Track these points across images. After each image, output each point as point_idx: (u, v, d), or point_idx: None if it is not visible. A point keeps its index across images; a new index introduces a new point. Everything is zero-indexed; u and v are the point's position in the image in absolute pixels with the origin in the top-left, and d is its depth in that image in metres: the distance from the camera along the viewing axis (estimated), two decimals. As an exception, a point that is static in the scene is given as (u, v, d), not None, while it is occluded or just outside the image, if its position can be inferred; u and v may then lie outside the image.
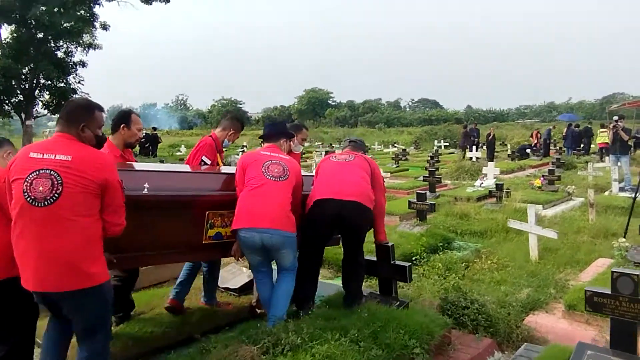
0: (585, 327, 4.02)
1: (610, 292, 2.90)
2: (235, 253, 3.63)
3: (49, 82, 20.53)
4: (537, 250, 6.09)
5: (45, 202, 2.33)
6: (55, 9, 19.56)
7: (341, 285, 4.01)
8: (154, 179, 3.24)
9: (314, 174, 4.11)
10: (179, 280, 4.16)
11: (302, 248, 3.73)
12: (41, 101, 21.30)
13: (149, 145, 21.37)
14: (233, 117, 4.67)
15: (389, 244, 4.12)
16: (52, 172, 2.36)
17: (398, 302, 3.91)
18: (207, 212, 3.44)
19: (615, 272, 2.91)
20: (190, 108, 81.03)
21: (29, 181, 2.35)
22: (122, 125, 3.76)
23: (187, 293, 4.19)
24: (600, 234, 7.07)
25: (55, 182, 2.34)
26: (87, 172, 2.41)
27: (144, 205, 3.06)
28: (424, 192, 7.82)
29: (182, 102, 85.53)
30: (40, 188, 2.33)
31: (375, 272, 4.25)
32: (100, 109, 2.71)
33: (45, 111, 21.66)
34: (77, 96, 21.17)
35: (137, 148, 19.32)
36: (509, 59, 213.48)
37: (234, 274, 4.86)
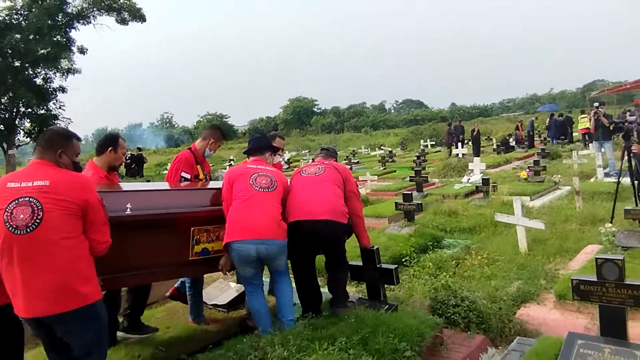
0: (576, 316, 3.99)
1: (596, 279, 2.87)
2: (223, 267, 3.60)
3: (29, 110, 20.48)
4: (525, 242, 6.08)
5: (27, 230, 2.35)
6: (31, 36, 19.49)
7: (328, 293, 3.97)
8: (137, 198, 3.24)
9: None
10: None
11: (295, 268, 3.84)
12: (22, 129, 21.19)
13: (135, 166, 21.20)
14: (212, 126, 4.71)
15: (374, 248, 4.07)
16: (31, 199, 2.39)
17: (387, 306, 3.85)
18: (193, 229, 3.43)
19: (600, 258, 2.89)
20: (176, 126, 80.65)
21: (9, 211, 2.37)
22: (110, 149, 3.81)
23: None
24: (587, 221, 7.09)
25: (35, 209, 2.37)
26: (66, 194, 2.45)
27: (128, 225, 3.05)
28: (410, 192, 7.78)
29: (167, 120, 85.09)
30: (21, 216, 2.36)
31: (362, 277, 4.19)
32: (78, 138, 2.79)
33: (28, 139, 21.49)
34: (58, 122, 21.07)
35: (123, 169, 19.19)
36: (490, 54, 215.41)
37: (222, 290, 4.79)
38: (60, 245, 2.40)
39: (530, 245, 6.12)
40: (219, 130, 4.61)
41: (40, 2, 19.45)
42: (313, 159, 4.66)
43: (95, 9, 21.63)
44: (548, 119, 22.94)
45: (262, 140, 4.10)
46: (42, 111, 20.57)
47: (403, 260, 5.84)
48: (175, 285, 4.59)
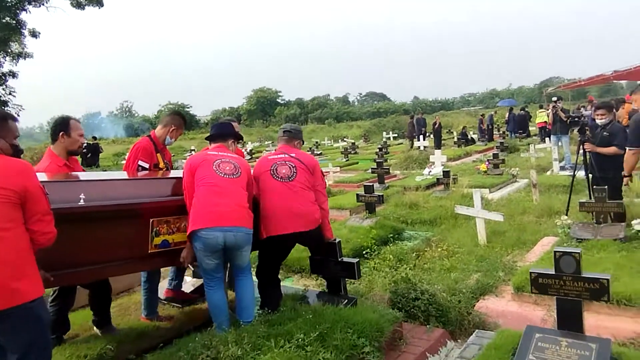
0: (534, 308, 4.01)
1: (554, 272, 2.86)
2: (185, 259, 3.44)
3: (-24, 95, 19.36)
4: (485, 234, 6.13)
5: None
6: (-23, 18, 18.44)
7: (288, 287, 3.89)
8: (91, 188, 3.06)
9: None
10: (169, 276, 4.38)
11: (264, 266, 3.86)
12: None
13: (91, 156, 20.48)
14: (173, 112, 4.51)
15: (336, 240, 3.98)
16: None
17: (346, 300, 3.77)
18: (152, 220, 3.28)
19: (558, 251, 2.88)
20: (136, 115, 78.61)
21: None
22: (61, 133, 3.61)
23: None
24: (544, 213, 7.22)
25: None
26: (2, 181, 2.23)
27: (81, 217, 2.90)
28: (371, 184, 7.74)
29: (127, 109, 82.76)
30: None
31: (323, 270, 4.09)
32: (14, 118, 2.58)
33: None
34: (8, 109, 20.09)
35: (80, 159, 18.48)
36: (451, 51, 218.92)
37: (177, 284, 4.60)
38: None
39: (489, 237, 6.17)
40: (179, 116, 4.41)
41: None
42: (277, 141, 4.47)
43: (48, -11, 20.66)
44: (508, 113, 23.43)
45: (225, 126, 3.90)
46: (-10, 96, 19.65)
47: (364, 252, 5.80)
48: (168, 287, 4.43)
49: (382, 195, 7.46)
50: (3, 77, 20.18)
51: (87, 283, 3.70)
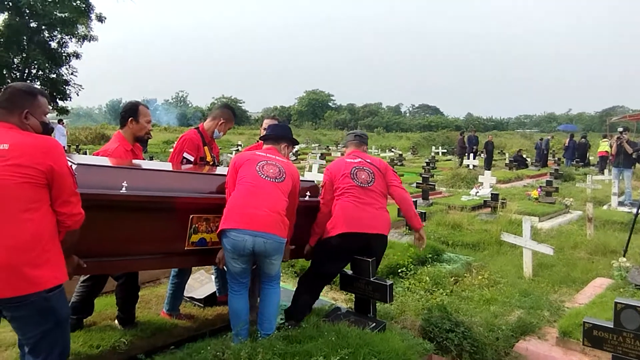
0: (580, 358, 3.63)
1: (612, 326, 2.52)
2: (220, 260, 3.30)
3: (41, 73, 20.15)
4: (531, 266, 5.72)
5: None
6: (50, -2, 19.20)
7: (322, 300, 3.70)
8: (135, 177, 2.95)
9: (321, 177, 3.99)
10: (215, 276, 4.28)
11: (321, 270, 3.77)
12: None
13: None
14: (223, 105, 4.39)
15: (370, 259, 3.71)
16: None
17: (374, 324, 3.49)
18: (192, 216, 3.16)
19: (619, 303, 2.54)
20: (190, 105, 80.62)
21: None
22: (130, 119, 3.61)
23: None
24: (598, 250, 6.71)
25: None
26: (27, 160, 2.10)
27: (121, 205, 2.80)
28: (415, 199, 7.43)
29: (182, 98, 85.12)
30: None
31: (352, 287, 3.82)
32: (43, 94, 2.43)
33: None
34: (69, 88, 20.84)
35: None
36: (511, 68, 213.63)
37: (201, 282, 4.48)
38: (15, 218, 2.06)
39: (536, 270, 5.76)
40: (229, 109, 4.30)
41: (62, -36, 19.16)
42: (345, 144, 4.32)
43: (118, -23, 21.41)
44: (568, 140, 22.36)
45: (280, 128, 3.71)
46: (54, 75, 20.34)
47: (399, 270, 5.50)
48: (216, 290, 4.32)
49: (425, 213, 7.15)
50: (67, 58, 20.95)
51: (118, 274, 3.60)
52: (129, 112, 3.62)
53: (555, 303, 4.73)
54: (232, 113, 4.28)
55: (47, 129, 2.43)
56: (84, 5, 20.53)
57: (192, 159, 3.93)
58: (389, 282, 3.61)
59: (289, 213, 3.29)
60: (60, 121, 18.48)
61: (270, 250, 3.11)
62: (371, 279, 3.62)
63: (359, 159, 3.88)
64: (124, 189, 2.79)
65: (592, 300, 4.52)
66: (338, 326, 3.20)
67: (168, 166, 3.85)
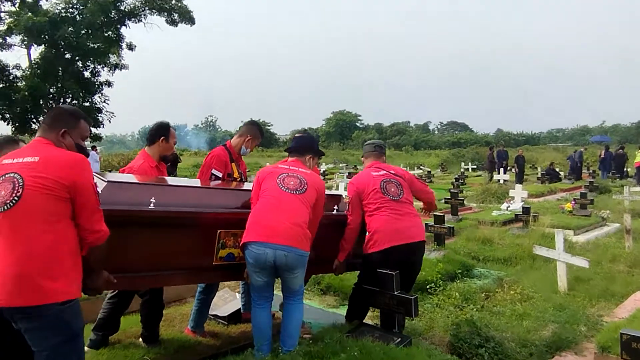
0: (621, 374, 3.43)
1: (652, 338, 2.37)
2: (248, 275, 3.28)
3: (75, 102, 20.85)
4: (566, 280, 5.49)
5: (5, 207, 2.09)
6: (83, 31, 20.01)
7: (338, 314, 3.61)
8: (162, 193, 3.00)
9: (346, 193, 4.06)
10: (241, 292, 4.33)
11: (367, 283, 3.75)
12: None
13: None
14: (249, 122, 4.43)
15: (394, 272, 3.62)
16: (15, 174, 2.13)
17: (399, 339, 3.38)
18: (219, 231, 3.17)
19: (658, 312, 2.38)
20: (219, 129, 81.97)
21: None
22: (162, 138, 3.70)
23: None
24: (638, 263, 6.41)
25: (17, 185, 2.10)
26: (52, 173, 2.14)
27: (150, 221, 2.84)
28: (442, 215, 7.29)
29: (211, 123, 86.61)
30: (2, 192, 2.10)
31: (377, 302, 3.72)
32: (86, 119, 2.53)
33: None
34: (101, 115, 21.48)
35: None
36: (540, 82, 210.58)
37: (225, 300, 4.45)
38: (35, 228, 2.09)
39: (571, 284, 5.52)
40: (256, 126, 4.33)
41: (95, -2, 19.98)
42: (364, 155, 4.27)
43: (147, 8, 22.09)
44: (603, 151, 21.73)
45: (305, 140, 3.70)
46: (87, 103, 21.06)
47: (427, 286, 5.36)
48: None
49: (453, 228, 6.99)
50: (100, 86, 21.69)
51: (144, 290, 3.61)
52: (161, 131, 3.72)
53: (592, 318, 4.51)
54: (258, 130, 4.30)
55: (83, 152, 2.48)
56: (115, 35, 21.34)
57: (220, 175, 3.96)
58: (413, 295, 3.50)
59: (312, 225, 3.25)
60: (93, 147, 19.02)
61: (291, 263, 3.07)
62: (395, 293, 3.52)
63: (384, 171, 3.89)
64: (152, 205, 2.82)
65: (632, 314, 4.29)
66: (362, 342, 3.13)
67: (195, 182, 3.90)
